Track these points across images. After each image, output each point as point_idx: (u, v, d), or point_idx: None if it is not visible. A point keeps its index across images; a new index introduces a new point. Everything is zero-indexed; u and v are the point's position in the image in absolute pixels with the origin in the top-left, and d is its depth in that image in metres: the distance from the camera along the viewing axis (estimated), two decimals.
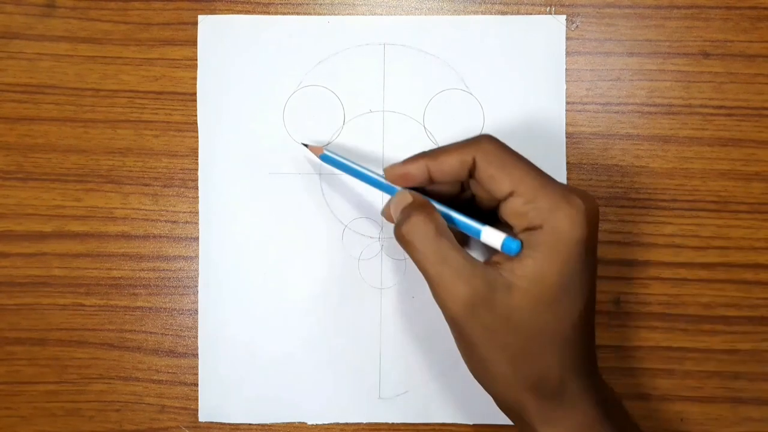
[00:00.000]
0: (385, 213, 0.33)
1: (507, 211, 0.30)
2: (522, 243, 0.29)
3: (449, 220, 0.31)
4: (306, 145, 0.37)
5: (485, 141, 0.30)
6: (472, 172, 0.30)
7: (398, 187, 0.32)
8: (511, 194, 0.29)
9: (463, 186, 0.33)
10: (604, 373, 0.38)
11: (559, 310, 0.29)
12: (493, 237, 0.29)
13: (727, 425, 0.38)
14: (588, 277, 0.30)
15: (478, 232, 0.30)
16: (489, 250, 0.31)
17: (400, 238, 0.30)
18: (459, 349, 0.31)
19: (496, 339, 0.29)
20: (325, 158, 0.36)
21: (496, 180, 0.29)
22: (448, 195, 0.33)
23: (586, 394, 0.30)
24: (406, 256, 0.38)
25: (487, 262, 0.30)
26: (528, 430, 0.31)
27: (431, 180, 0.31)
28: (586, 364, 0.30)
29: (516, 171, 0.29)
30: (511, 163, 0.29)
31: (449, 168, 0.30)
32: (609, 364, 0.38)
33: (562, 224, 0.28)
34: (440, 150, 0.31)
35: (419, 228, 0.30)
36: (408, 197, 0.31)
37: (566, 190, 0.29)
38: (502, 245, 0.29)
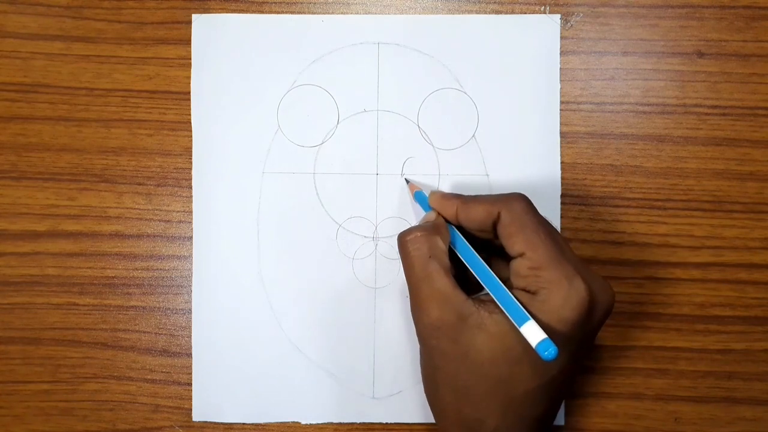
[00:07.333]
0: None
1: (513, 267, 0.30)
2: (557, 351, 0.27)
3: (494, 292, 0.30)
4: (407, 181, 0.38)
5: (516, 200, 0.31)
6: (496, 226, 0.31)
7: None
8: (521, 255, 0.30)
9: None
10: (598, 372, 0.38)
11: (518, 371, 0.29)
12: (532, 332, 0.27)
13: (721, 425, 0.38)
14: (563, 364, 0.29)
15: (523, 319, 0.28)
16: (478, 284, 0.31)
17: (399, 241, 0.32)
18: (420, 362, 0.32)
19: (449, 367, 0.30)
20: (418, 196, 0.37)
21: (512, 238, 0.30)
22: (480, 240, 0.33)
23: None
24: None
25: (475, 297, 0.30)
26: None
27: (458, 221, 0.33)
28: None
29: (533, 236, 0.30)
30: (531, 227, 0.30)
31: (475, 215, 0.32)
32: (602, 363, 0.38)
33: (554, 300, 0.28)
34: (474, 197, 0.32)
35: (417, 241, 0.31)
36: (432, 215, 0.33)
37: (575, 272, 0.29)
38: (537, 346, 0.27)
